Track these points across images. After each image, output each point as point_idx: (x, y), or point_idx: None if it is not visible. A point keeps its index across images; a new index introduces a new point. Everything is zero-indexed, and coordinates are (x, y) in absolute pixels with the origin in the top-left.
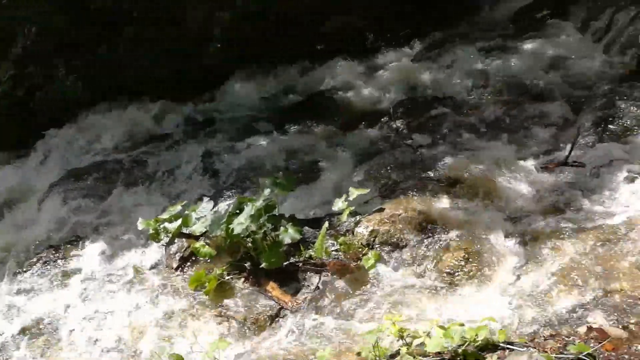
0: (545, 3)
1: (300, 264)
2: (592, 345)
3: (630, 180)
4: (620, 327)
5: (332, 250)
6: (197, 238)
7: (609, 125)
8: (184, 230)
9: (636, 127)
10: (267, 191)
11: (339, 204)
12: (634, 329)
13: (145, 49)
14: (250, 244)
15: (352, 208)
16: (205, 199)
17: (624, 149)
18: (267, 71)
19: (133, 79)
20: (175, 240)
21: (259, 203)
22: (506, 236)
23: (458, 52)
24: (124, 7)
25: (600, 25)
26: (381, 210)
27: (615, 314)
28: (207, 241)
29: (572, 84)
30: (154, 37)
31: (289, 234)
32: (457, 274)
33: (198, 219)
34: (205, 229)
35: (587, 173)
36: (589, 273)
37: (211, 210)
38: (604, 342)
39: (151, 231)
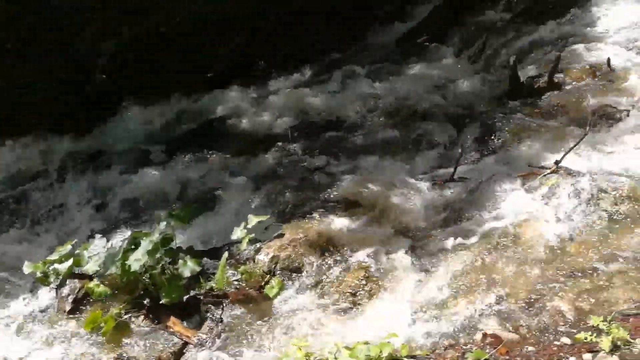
0: (425, 29)
1: (202, 297)
2: (488, 351)
3: (511, 191)
4: (513, 330)
5: (234, 280)
6: (90, 278)
7: (489, 141)
8: (76, 271)
9: (513, 142)
10: (162, 224)
11: (237, 233)
12: (524, 331)
13: (27, 79)
14: (148, 280)
15: (252, 235)
16: (98, 235)
17: (503, 162)
18: (157, 100)
19: (14, 110)
20: (67, 282)
21: (155, 237)
22: (403, 252)
23: (347, 76)
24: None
25: (476, 49)
26: (281, 235)
27: (507, 318)
28: (102, 280)
29: (454, 104)
30: (36, 66)
31: (188, 267)
32: (359, 293)
33: (90, 257)
34: (99, 268)
35: (473, 187)
36: (480, 281)
37: (104, 247)
38: (499, 347)
39: (39, 274)
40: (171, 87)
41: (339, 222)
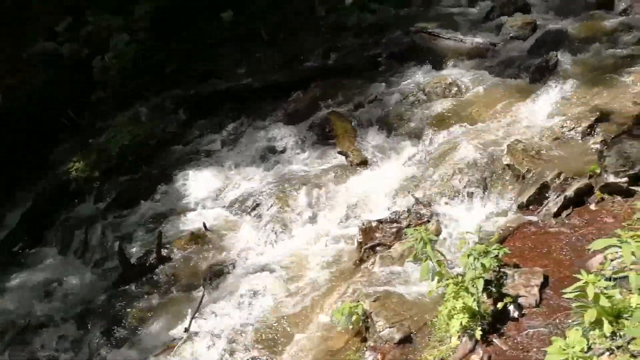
0: (19, 236)
1: None
2: None
3: None
4: None
5: None
6: None
7: (118, 331)
8: None
9: (141, 324)
10: None
11: None
12: None
13: None
14: None
15: None
16: None
17: (136, 347)
18: None
19: None
20: None
21: None
22: None
23: None
24: None
25: (79, 243)
26: None
27: None
28: None
29: (72, 303)
30: None
31: None
32: None
33: None
34: None
35: None
36: None
37: None
38: None
39: None
40: None
41: None
